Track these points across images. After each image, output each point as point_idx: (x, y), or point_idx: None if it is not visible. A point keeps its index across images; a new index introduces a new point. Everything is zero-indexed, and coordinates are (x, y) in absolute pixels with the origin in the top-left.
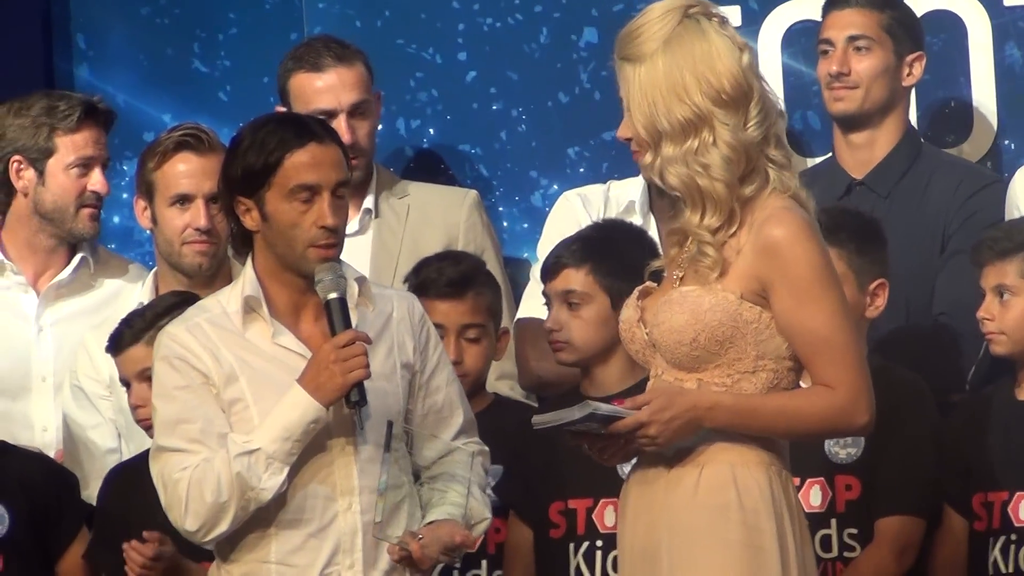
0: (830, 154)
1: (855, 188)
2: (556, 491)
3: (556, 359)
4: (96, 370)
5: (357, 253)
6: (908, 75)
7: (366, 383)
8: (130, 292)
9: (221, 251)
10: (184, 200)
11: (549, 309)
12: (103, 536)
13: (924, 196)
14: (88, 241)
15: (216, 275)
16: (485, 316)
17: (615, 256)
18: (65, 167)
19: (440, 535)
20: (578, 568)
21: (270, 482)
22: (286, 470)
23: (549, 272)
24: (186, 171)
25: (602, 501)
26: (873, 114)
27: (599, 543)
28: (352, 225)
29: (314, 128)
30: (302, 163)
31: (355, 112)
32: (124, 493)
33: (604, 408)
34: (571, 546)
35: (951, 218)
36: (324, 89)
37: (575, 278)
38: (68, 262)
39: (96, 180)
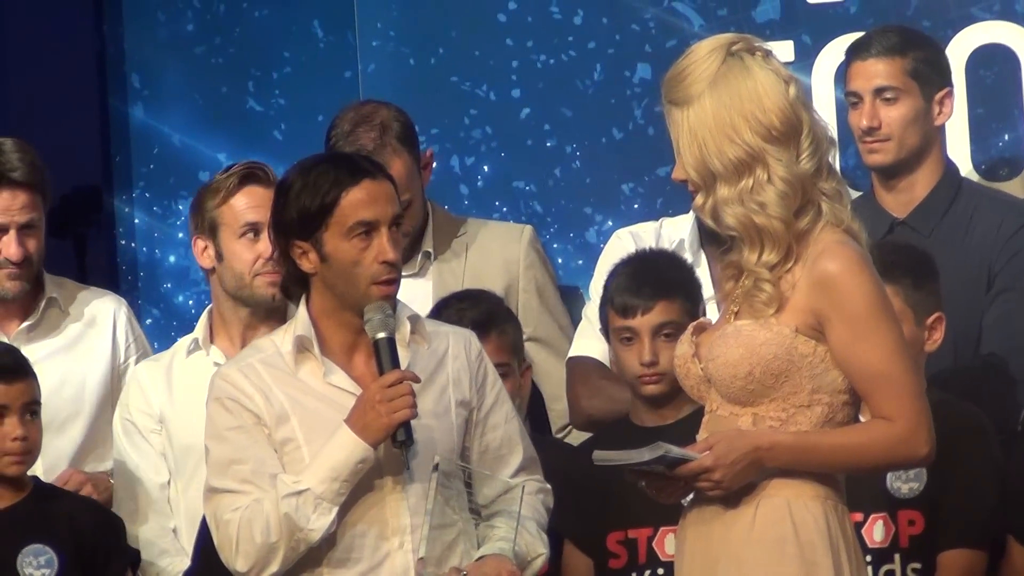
0: (867, 192)
1: (897, 227)
2: (614, 521)
3: (644, 392)
4: (148, 404)
5: (417, 295)
6: (939, 114)
7: (417, 422)
8: (105, 319)
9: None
10: (255, 231)
11: (614, 342)
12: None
13: (967, 234)
14: (15, 296)
15: (278, 308)
16: (509, 354)
17: (694, 285)
18: None
19: (487, 571)
20: None
21: (319, 522)
22: (335, 510)
23: (634, 308)
24: (254, 203)
25: (662, 529)
26: (909, 160)
27: (660, 571)
28: (410, 267)
29: (365, 165)
30: (359, 200)
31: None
32: None
33: (675, 451)
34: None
35: (995, 256)
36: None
37: (671, 309)
38: (36, 305)
39: (6, 246)
